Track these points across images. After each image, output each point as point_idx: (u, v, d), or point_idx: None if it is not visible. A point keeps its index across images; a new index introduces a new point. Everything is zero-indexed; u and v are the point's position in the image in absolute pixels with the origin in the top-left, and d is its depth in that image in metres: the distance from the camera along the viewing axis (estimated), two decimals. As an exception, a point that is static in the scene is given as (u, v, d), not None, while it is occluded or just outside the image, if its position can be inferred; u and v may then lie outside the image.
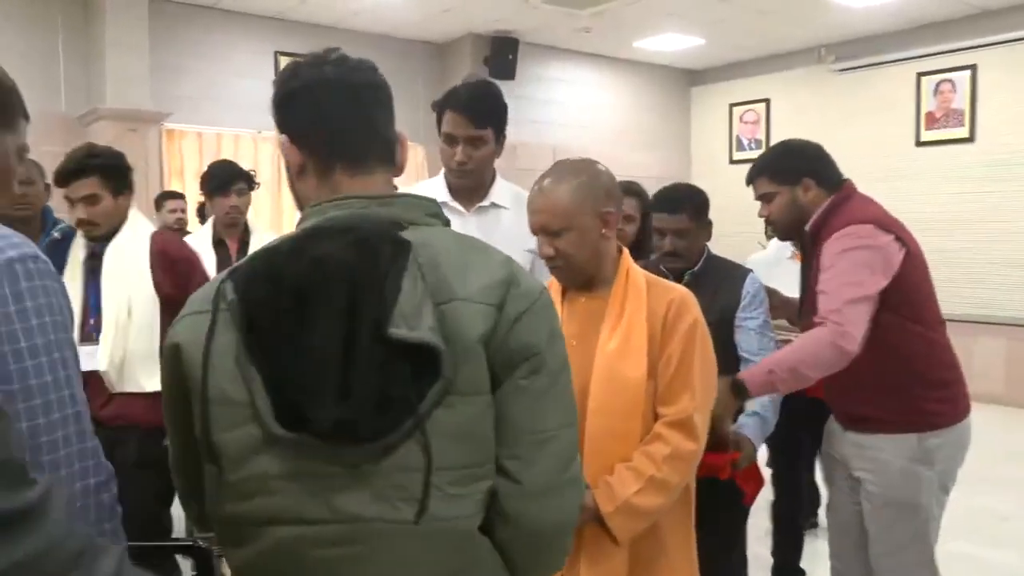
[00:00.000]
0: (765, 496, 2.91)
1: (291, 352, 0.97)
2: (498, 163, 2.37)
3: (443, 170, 2.33)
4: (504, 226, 2.28)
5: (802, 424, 2.88)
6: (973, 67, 7.25)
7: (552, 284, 1.84)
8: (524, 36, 7.90)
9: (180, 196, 5.37)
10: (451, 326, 0.98)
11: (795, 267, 3.07)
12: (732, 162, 9.21)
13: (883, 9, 7.06)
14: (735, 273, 2.43)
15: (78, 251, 2.58)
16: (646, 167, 8.33)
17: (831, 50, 8.22)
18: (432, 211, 1.13)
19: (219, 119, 6.74)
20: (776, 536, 3.28)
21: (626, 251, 1.83)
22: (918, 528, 2.18)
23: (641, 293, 1.73)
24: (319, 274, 0.99)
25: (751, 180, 2.38)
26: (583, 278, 1.79)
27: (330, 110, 1.13)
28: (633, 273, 1.78)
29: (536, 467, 1.02)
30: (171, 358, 1.07)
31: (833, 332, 2.02)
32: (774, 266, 3.28)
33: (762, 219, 2.44)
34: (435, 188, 2.30)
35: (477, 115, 2.20)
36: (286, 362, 0.98)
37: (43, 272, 1.12)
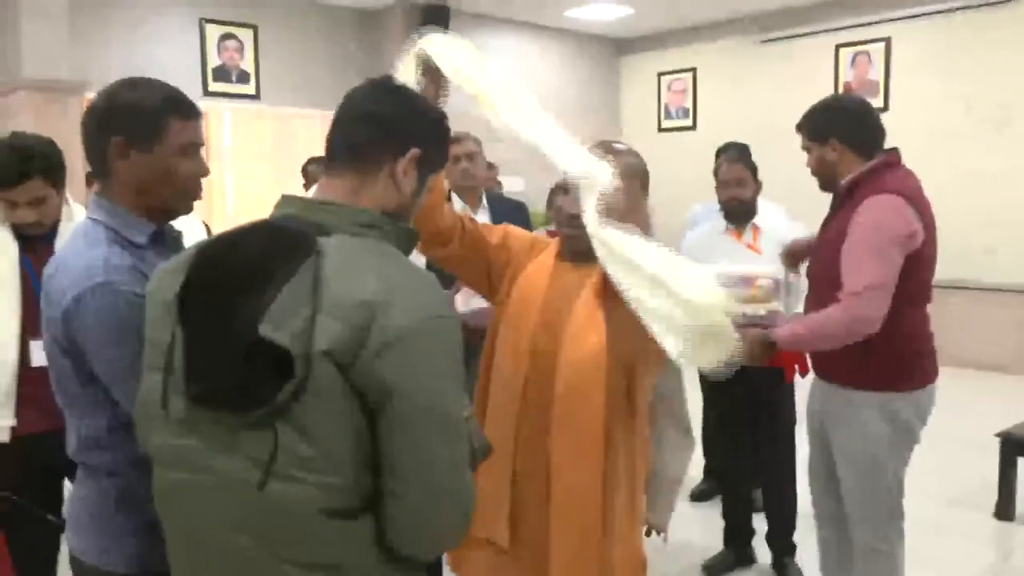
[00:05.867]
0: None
1: (191, 325, 1.15)
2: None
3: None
4: None
5: (730, 397, 3.18)
6: (888, 40, 7.55)
7: (549, 248, 1.88)
8: (456, 4, 7.88)
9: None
10: (315, 334, 1.06)
11: (730, 242, 3.23)
12: (661, 130, 9.41)
13: (804, -18, 7.27)
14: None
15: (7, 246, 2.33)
16: (577, 135, 8.43)
17: (755, 21, 8.43)
18: (363, 222, 1.20)
19: (143, 89, 6.55)
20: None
21: None
22: (885, 480, 2.41)
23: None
24: (226, 265, 1.15)
25: (797, 133, 2.53)
26: (587, 248, 1.80)
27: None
28: None
29: (413, 488, 1.11)
30: (147, 304, 1.28)
31: (853, 318, 2.22)
32: (708, 241, 3.31)
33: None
34: None
35: None
36: (191, 333, 1.15)
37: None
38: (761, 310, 2.85)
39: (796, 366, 3.16)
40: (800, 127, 2.54)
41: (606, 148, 1.80)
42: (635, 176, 1.81)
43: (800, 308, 2.82)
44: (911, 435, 2.43)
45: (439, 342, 1.13)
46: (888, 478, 2.42)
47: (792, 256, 2.81)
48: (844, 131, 2.41)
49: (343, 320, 1.07)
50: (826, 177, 2.47)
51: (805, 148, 2.51)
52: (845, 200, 2.41)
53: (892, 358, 2.35)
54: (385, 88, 1.34)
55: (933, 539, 3.56)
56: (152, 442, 1.22)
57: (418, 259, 2.09)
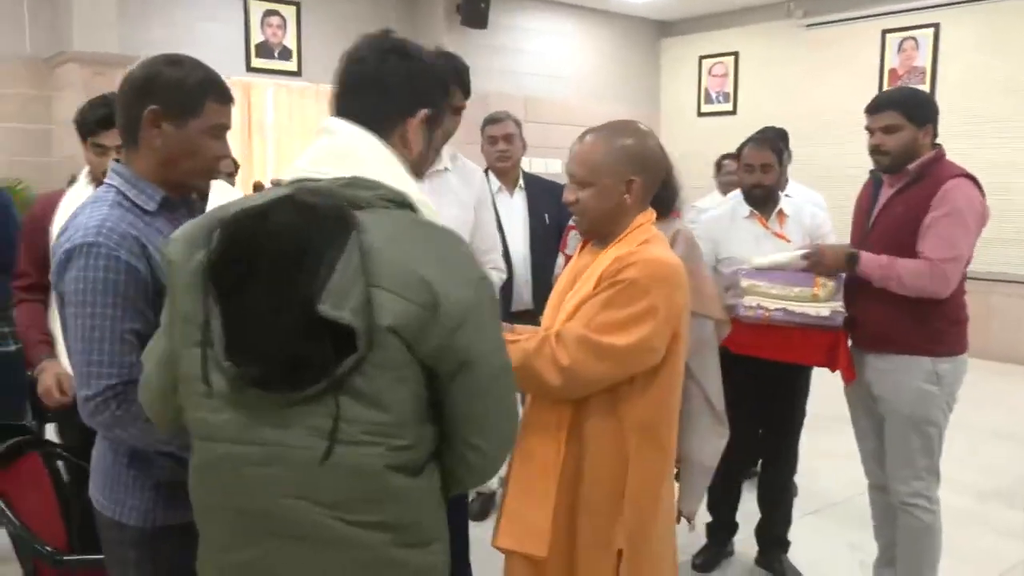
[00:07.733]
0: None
1: (231, 301, 1.12)
2: (469, 114, 2.48)
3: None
4: (452, 186, 2.45)
5: (749, 384, 3.08)
6: (936, 26, 7.39)
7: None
8: (496, -16, 7.87)
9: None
10: (374, 309, 1.09)
11: (751, 226, 3.14)
12: (700, 115, 9.32)
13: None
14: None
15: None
16: (616, 118, 8.38)
17: (800, 5, 8.29)
18: (388, 196, 1.19)
19: (188, 64, 6.63)
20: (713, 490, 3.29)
21: (645, 217, 1.83)
22: (931, 439, 2.63)
23: (613, 255, 1.76)
24: (270, 243, 1.11)
25: (879, 109, 2.62)
26: (595, 233, 1.86)
27: None
28: (631, 237, 1.79)
29: (493, 440, 1.26)
30: (168, 273, 1.24)
31: (938, 277, 2.48)
32: (729, 224, 3.21)
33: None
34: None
35: (469, 87, 2.36)
36: (231, 311, 1.12)
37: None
38: (825, 310, 2.78)
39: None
40: (892, 104, 2.60)
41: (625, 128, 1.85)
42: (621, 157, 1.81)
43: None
44: (953, 397, 2.64)
45: (492, 302, 1.22)
46: (935, 437, 2.62)
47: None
48: (936, 121, 2.61)
49: (406, 297, 1.10)
50: (904, 158, 2.59)
51: (890, 127, 2.58)
52: (913, 182, 2.59)
53: (942, 323, 2.57)
54: (390, 48, 1.29)
55: (961, 531, 3.53)
56: (190, 416, 1.22)
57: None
